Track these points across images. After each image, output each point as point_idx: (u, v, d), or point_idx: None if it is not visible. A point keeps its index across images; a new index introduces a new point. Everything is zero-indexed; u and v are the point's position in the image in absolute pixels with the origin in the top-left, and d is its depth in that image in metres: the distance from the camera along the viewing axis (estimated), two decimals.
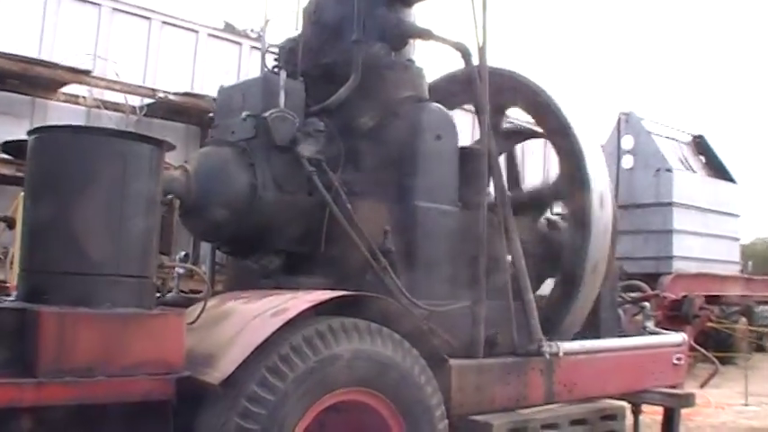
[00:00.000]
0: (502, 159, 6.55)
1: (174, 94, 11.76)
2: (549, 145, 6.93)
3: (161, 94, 11.69)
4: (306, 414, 3.91)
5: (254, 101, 5.21)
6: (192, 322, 3.95)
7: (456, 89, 6.33)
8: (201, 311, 4.03)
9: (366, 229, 4.99)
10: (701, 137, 20.90)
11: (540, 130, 6.66)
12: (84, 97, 11.36)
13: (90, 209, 3.66)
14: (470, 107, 6.58)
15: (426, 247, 5.31)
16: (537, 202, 6.69)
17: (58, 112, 11.05)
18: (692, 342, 8.06)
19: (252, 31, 14.25)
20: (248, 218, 5.05)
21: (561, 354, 5.45)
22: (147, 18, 12.52)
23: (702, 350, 8.81)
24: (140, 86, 11.85)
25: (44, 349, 3.34)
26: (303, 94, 5.30)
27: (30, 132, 3.89)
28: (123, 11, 12.28)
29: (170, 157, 4.19)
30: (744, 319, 19.34)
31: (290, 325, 3.90)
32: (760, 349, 20.84)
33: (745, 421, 11.10)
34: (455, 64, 6.05)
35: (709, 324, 15.96)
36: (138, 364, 3.54)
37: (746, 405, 12.60)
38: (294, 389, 3.83)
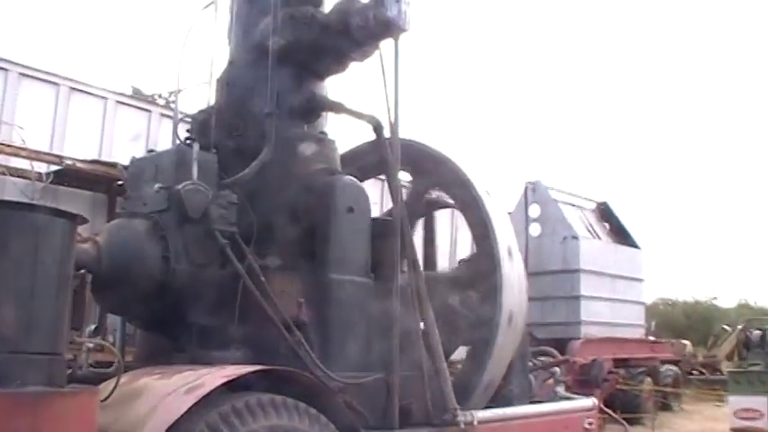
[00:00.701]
0: (419, 230, 6.67)
1: (82, 161, 11.57)
2: (457, 213, 7.07)
3: (68, 162, 11.48)
4: None
5: (167, 173, 5.18)
6: (105, 399, 3.86)
7: (368, 160, 6.41)
8: (114, 388, 3.95)
9: (280, 302, 4.98)
10: (604, 203, 21.53)
11: (447, 200, 6.80)
12: None
13: None
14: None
15: (340, 319, 5.32)
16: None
17: None
18: (602, 405, 8.22)
19: (160, 96, 14.18)
20: (160, 291, 4.98)
21: (476, 422, 5.50)
22: (56, 84, 12.34)
23: (611, 413, 8.98)
24: (47, 153, 11.62)
25: None
26: (216, 166, 5.29)
27: None
28: (31, 76, 12.08)
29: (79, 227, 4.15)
30: (649, 380, 19.80)
31: (205, 401, 3.86)
32: (665, 408, 21.30)
33: None
34: (367, 135, 6.14)
35: (617, 386, 16.30)
36: None
37: None
38: None
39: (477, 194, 6.17)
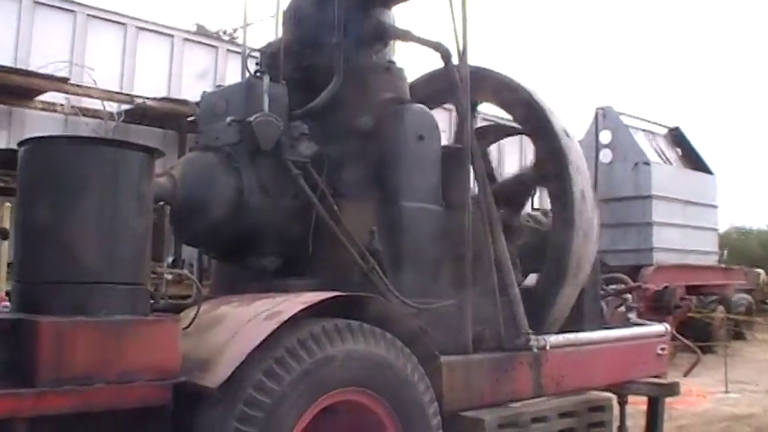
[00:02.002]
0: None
1: (152, 99, 11.73)
2: (526, 141, 7.00)
3: (139, 100, 11.66)
4: (303, 416, 3.95)
5: (238, 106, 5.23)
6: (186, 327, 3.98)
7: (436, 89, 6.38)
8: (195, 316, 4.06)
9: (353, 230, 5.04)
10: (676, 129, 21.10)
11: (516, 126, 6.73)
12: (61, 105, 11.34)
13: (83, 218, 3.69)
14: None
15: (412, 247, 5.35)
16: (516, 190, 6.71)
17: (36, 121, 11.04)
18: (674, 332, 8.17)
19: (224, 33, 14.25)
20: (235, 222, 5.08)
21: (548, 347, 5.52)
22: (123, 24, 12.50)
23: (685, 340, 8.93)
24: (118, 93, 11.82)
25: (42, 358, 3.37)
26: (286, 98, 5.32)
27: (20, 143, 3.91)
28: (98, 17, 12.25)
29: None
30: (721, 308, 19.56)
31: (284, 328, 3.94)
32: (737, 337, 21.07)
33: (726, 408, 11.26)
34: (435, 63, 6.11)
35: (689, 314, 16.14)
36: (136, 370, 3.57)
37: (727, 392, 12.78)
38: (290, 391, 3.87)
39: (552, 128, 6.08)
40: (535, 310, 5.84)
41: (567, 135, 6.16)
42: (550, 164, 6.15)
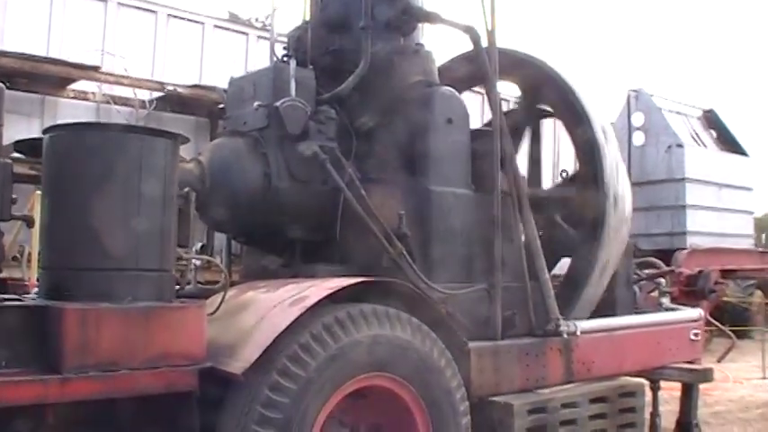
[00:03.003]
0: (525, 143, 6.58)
1: (183, 86, 11.76)
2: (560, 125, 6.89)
3: (170, 88, 11.69)
4: (328, 401, 3.95)
5: (265, 91, 5.22)
6: (212, 313, 3.97)
7: (465, 72, 6.31)
8: (221, 302, 4.05)
9: (381, 215, 4.99)
10: (711, 111, 20.82)
11: (548, 109, 6.64)
12: (93, 93, 11.39)
13: (108, 205, 3.69)
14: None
15: (441, 231, 5.29)
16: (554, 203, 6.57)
17: (68, 109, 11.08)
18: (709, 317, 8.06)
19: (257, 20, 14.24)
20: (263, 208, 5.07)
21: (578, 333, 5.47)
22: (153, 12, 12.51)
23: (719, 324, 8.82)
24: (149, 80, 11.85)
25: (68, 345, 3.37)
26: (314, 82, 5.30)
27: (45, 131, 3.92)
28: (129, 5, 12.28)
29: (182, 150, 4.24)
30: (759, 293, 19.28)
31: (310, 313, 3.93)
32: None
33: (763, 395, 11.10)
34: (464, 46, 6.04)
35: (725, 298, 15.95)
36: (161, 356, 3.57)
37: (765, 378, 12.63)
38: (316, 376, 3.86)
39: (588, 121, 5.94)
40: (565, 295, 5.80)
41: (604, 134, 6.03)
42: (582, 163, 6.09)
